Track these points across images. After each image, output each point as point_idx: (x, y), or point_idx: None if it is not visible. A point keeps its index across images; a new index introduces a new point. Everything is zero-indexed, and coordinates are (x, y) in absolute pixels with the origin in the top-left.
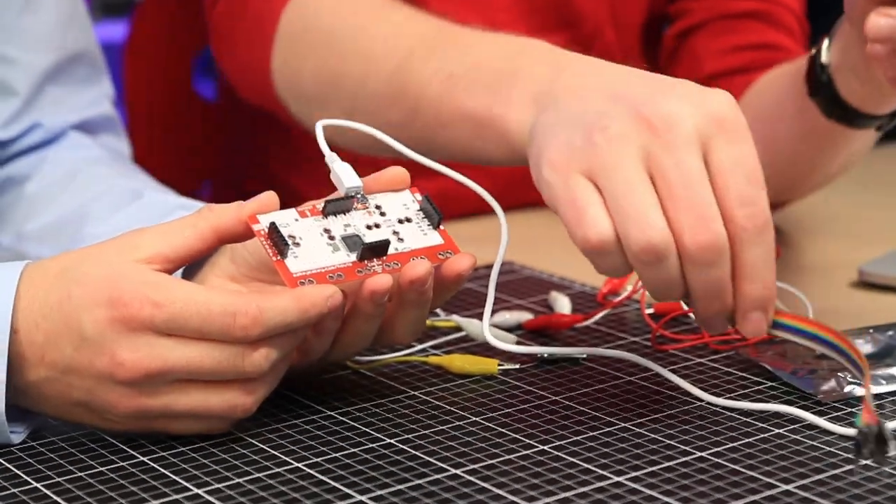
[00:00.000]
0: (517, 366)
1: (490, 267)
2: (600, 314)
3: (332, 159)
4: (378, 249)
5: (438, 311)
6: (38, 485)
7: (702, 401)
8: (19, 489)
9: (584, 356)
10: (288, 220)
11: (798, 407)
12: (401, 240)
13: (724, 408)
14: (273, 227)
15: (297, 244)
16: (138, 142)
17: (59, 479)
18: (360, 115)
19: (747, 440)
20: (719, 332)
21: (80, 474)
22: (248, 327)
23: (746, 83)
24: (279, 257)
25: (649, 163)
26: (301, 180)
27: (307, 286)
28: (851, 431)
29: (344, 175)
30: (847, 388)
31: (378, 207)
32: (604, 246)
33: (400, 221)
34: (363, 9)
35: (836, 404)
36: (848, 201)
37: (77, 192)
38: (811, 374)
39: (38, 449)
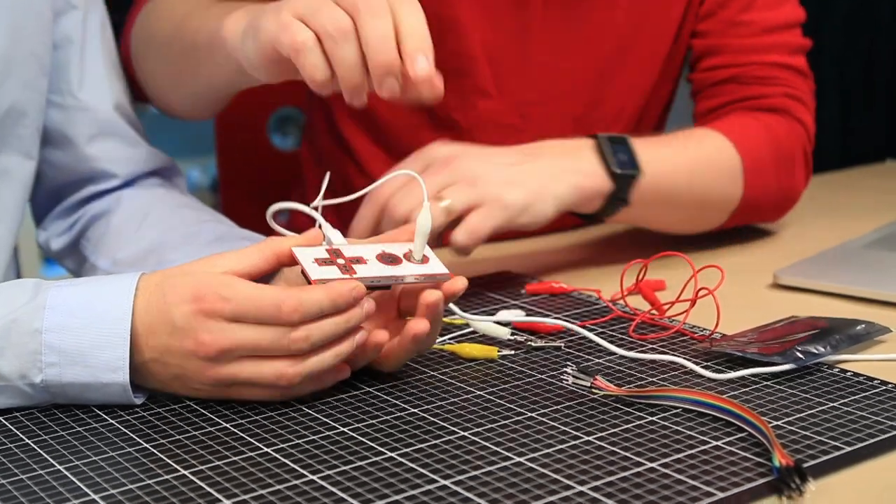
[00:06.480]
0: (512, 352)
1: (482, 277)
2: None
3: (323, 224)
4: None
5: (454, 308)
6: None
7: (614, 354)
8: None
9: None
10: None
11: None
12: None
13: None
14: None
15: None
16: (228, 191)
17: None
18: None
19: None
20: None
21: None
22: (290, 313)
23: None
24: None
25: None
26: None
27: (336, 281)
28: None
29: (333, 236)
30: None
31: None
32: (306, 42)
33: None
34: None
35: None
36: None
37: (153, 225)
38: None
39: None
